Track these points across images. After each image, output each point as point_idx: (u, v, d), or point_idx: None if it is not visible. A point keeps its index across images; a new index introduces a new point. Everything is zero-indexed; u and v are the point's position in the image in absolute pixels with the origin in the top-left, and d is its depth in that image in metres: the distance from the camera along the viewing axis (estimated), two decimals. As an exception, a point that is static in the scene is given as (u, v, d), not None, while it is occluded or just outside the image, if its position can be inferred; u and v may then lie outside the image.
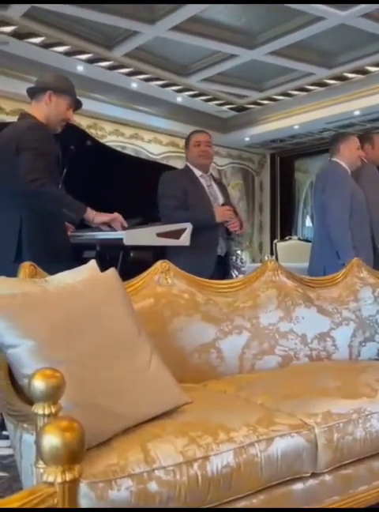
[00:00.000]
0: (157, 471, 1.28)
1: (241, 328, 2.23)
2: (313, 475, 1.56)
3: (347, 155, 3.66)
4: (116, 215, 2.82)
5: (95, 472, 1.21)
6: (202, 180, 3.51)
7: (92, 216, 2.68)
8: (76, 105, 2.88)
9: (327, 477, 1.59)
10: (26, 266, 1.79)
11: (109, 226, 2.82)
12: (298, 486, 1.54)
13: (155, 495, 1.26)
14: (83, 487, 1.15)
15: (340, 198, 3.50)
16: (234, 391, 1.88)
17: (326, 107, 7.43)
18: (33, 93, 2.79)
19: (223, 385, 1.97)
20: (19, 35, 5.55)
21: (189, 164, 3.59)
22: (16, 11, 5.15)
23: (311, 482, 1.56)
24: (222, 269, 3.47)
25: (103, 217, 2.75)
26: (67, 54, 5.99)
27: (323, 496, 1.59)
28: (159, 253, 3.13)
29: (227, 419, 1.50)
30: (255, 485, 1.43)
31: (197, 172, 3.53)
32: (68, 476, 0.79)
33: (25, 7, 5.07)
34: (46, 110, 2.74)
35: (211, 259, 3.35)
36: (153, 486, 1.26)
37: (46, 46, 5.78)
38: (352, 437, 1.63)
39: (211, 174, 3.66)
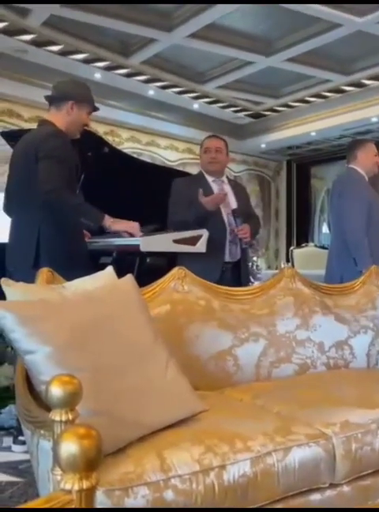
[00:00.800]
0: (173, 479, 1.27)
1: (257, 335, 2.22)
2: (331, 486, 1.54)
3: (364, 162, 3.64)
4: (132, 224, 2.83)
5: (112, 480, 1.20)
6: (214, 185, 3.50)
7: (109, 223, 2.70)
8: (94, 109, 2.91)
9: (345, 488, 1.57)
10: (44, 272, 1.80)
11: (126, 233, 2.83)
12: (316, 497, 1.52)
13: (171, 504, 1.25)
14: (99, 494, 1.15)
15: (357, 205, 3.47)
16: (251, 399, 1.86)
17: (343, 113, 7.40)
18: (53, 100, 2.81)
19: (239, 393, 1.96)
20: (38, 43, 5.62)
21: (202, 170, 3.60)
22: (35, 20, 5.22)
23: (329, 493, 1.54)
24: (236, 275, 3.44)
25: (120, 225, 2.76)
26: (85, 61, 6.05)
27: (341, 507, 1.56)
28: (173, 259, 3.14)
29: (243, 427, 1.49)
30: (272, 495, 1.42)
31: (209, 178, 3.52)
32: (85, 484, 0.78)
33: (45, 16, 5.13)
34: (67, 118, 2.76)
35: (217, 264, 3.32)
36: (169, 494, 1.25)
37: (64, 54, 5.85)
38: (371, 447, 1.61)
39: (226, 177, 3.64)
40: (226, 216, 3.41)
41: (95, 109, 2.89)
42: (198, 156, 3.75)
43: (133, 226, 2.82)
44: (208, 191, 3.43)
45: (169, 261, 3.10)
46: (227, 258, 3.40)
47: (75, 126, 2.80)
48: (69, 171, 2.62)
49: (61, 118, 2.76)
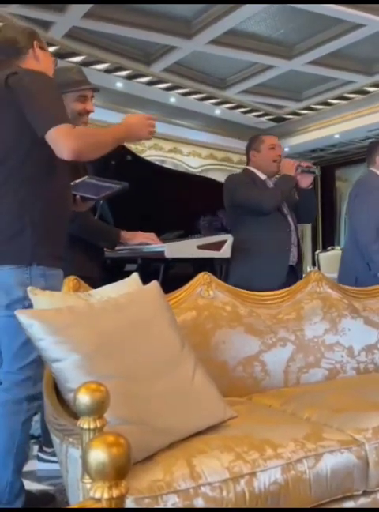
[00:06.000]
0: (203, 487, 1.25)
1: (285, 340, 2.19)
2: (365, 493, 1.50)
3: None
4: (150, 235, 2.82)
5: (141, 488, 1.19)
6: (269, 184, 3.28)
7: (126, 238, 2.69)
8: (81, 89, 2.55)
9: (379, 496, 1.53)
10: (70, 280, 1.81)
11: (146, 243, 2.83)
12: (349, 504, 1.48)
13: (202, 512, 1.23)
14: (129, 502, 1.14)
15: (367, 208, 3.29)
16: (280, 405, 1.84)
17: (367, 114, 7.33)
18: None
19: (268, 399, 1.93)
20: (60, 55, 5.69)
21: (251, 168, 3.30)
22: (57, 32, 5.30)
23: (363, 500, 1.50)
24: (293, 280, 3.29)
25: (139, 238, 2.76)
26: (107, 71, 6.12)
27: (375, 515, 1.53)
28: (204, 264, 3.11)
29: (273, 434, 1.47)
30: (304, 503, 1.39)
31: (262, 176, 3.27)
32: (115, 493, 0.77)
33: (66, 28, 5.20)
34: None
35: (283, 267, 3.13)
36: (199, 502, 1.24)
37: (86, 64, 5.92)
38: (405, 454, 1.57)
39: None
40: (290, 216, 3.25)
41: (83, 87, 2.57)
42: (221, 161, 3.70)
43: (152, 237, 2.81)
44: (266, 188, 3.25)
45: (201, 267, 3.08)
46: (291, 261, 3.22)
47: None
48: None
49: None
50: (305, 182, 3.27)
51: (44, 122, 1.83)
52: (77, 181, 2.21)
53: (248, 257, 3.06)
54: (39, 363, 1.67)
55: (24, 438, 1.96)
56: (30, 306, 1.61)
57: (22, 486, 1.98)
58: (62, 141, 1.82)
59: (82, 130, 1.97)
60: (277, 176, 3.33)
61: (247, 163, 3.39)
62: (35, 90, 1.86)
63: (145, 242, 2.80)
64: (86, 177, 2.27)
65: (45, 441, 2.58)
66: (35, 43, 2.03)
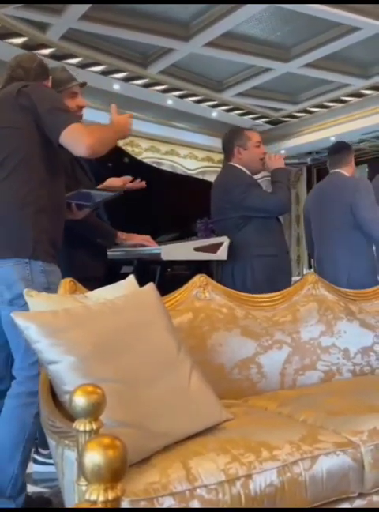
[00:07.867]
0: (199, 489, 1.25)
1: (281, 343, 2.19)
2: (361, 495, 1.51)
3: (352, 166, 3.48)
4: (146, 237, 2.84)
5: (137, 490, 1.19)
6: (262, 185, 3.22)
7: (122, 239, 2.71)
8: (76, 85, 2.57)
9: (375, 498, 1.53)
10: (66, 282, 1.81)
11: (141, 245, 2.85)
12: (345, 507, 1.49)
13: (198, 514, 1.23)
14: (124, 505, 1.14)
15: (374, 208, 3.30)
16: (276, 407, 1.84)
17: (363, 117, 7.34)
18: None
19: (264, 401, 1.94)
20: (57, 57, 5.69)
21: (238, 166, 3.08)
22: (54, 34, 5.29)
23: (358, 502, 1.50)
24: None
25: (136, 239, 2.78)
26: (103, 73, 6.11)
27: (371, 517, 1.53)
28: (200, 267, 3.12)
29: (269, 436, 1.47)
30: (300, 505, 1.39)
31: (248, 173, 3.11)
32: (110, 495, 0.77)
33: (63, 29, 5.20)
34: None
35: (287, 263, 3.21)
36: (195, 505, 1.24)
37: (83, 66, 5.91)
38: (400, 456, 1.57)
39: None
40: None
41: (71, 84, 2.58)
42: (218, 164, 3.70)
43: (148, 239, 2.83)
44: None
45: (195, 269, 3.09)
46: None
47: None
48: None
49: None
50: None
51: (56, 126, 1.96)
52: (72, 192, 2.27)
53: (271, 259, 3.04)
54: None
55: (33, 432, 1.99)
56: None
57: (25, 484, 1.99)
58: (78, 139, 1.95)
59: (92, 127, 2.09)
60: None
61: (229, 159, 3.15)
62: (43, 99, 2.02)
63: (141, 244, 2.82)
64: (80, 189, 2.32)
65: (41, 443, 2.57)
66: (50, 77, 2.26)
